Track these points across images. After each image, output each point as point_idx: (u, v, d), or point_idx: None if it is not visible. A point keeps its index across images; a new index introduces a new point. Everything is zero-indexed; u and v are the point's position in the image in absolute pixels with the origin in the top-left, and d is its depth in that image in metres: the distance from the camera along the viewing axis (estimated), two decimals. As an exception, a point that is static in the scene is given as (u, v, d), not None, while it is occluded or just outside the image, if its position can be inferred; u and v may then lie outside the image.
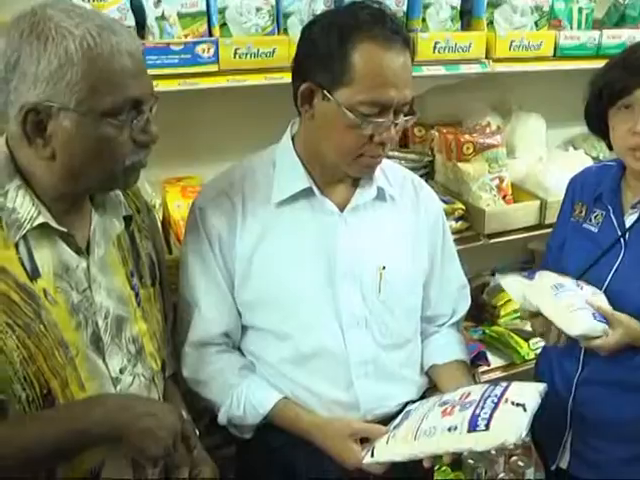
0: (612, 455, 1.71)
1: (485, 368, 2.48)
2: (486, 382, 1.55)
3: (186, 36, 1.77)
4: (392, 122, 1.38)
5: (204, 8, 1.78)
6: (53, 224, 1.20)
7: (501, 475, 2.60)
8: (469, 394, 1.42)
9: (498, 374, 2.49)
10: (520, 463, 2.62)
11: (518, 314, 2.61)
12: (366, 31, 1.34)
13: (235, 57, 1.78)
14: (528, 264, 2.94)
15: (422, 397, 1.65)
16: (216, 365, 1.57)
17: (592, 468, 1.75)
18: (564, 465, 1.81)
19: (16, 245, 1.18)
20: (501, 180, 2.35)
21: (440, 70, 2.09)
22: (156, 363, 1.42)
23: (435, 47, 2.04)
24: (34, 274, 1.19)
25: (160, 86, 1.74)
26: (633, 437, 1.66)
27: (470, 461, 2.60)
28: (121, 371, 1.31)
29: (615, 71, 1.60)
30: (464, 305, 1.81)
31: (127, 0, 1.72)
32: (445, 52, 2.06)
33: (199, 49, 1.74)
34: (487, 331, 2.64)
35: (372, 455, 1.43)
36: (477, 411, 1.34)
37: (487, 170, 2.33)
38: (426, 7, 2.04)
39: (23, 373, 1.17)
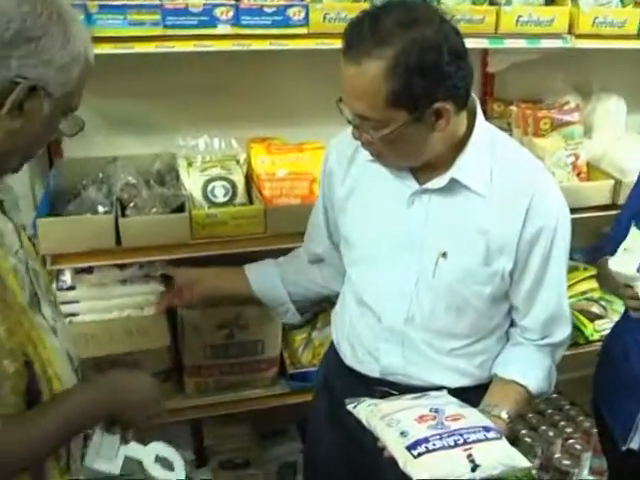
0: None
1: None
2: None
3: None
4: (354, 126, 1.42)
5: (297, -27, 1.87)
6: None
7: (557, 456, 2.62)
8: (457, 418, 1.40)
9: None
10: (577, 446, 2.64)
11: (585, 295, 2.62)
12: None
13: (325, 21, 1.87)
14: (599, 248, 2.93)
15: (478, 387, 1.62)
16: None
17: None
18: (635, 446, 1.81)
19: None
20: (576, 157, 2.37)
21: (521, 43, 2.12)
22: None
23: (518, 20, 2.07)
24: None
25: (253, 45, 1.86)
26: None
27: (527, 439, 2.63)
28: (53, 319, 1.32)
29: None
30: (559, 333, 1.64)
31: (226, -37, 1.83)
32: (527, 25, 2.09)
33: (290, 12, 1.84)
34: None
35: (354, 407, 1.48)
36: (431, 435, 1.33)
37: (563, 146, 2.34)
38: (510, -19, 2.07)
39: (9, 346, 1.16)
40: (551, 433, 2.68)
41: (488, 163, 1.49)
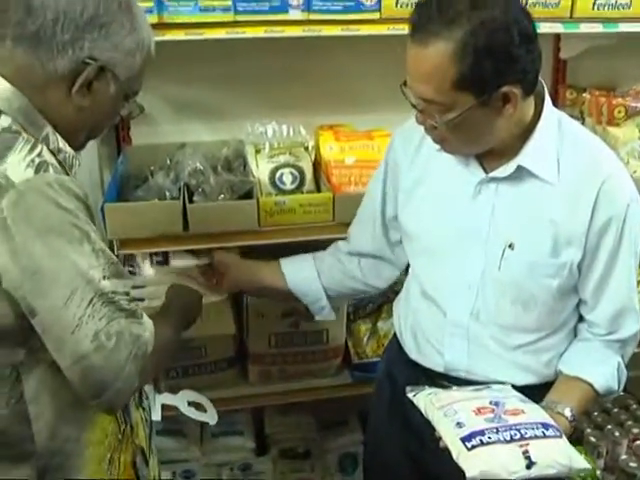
0: None
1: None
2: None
3: (351, -15, 1.84)
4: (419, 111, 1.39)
5: (370, -42, 1.85)
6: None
7: (623, 457, 2.55)
8: (517, 412, 1.37)
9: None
10: (645, 448, 2.57)
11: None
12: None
13: (397, 6, 1.84)
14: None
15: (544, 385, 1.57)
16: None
17: None
18: None
19: None
20: (652, 148, 2.30)
21: (598, 27, 2.06)
22: None
23: (595, 4, 2.01)
24: None
25: (324, 31, 1.84)
26: None
27: (592, 439, 2.57)
28: None
29: None
30: (628, 328, 1.56)
31: (298, -51, 1.82)
32: (605, 10, 2.03)
33: (363, -3, 1.82)
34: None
35: (414, 395, 1.48)
36: (487, 428, 1.32)
37: (638, 136, 2.27)
38: (589, -37, 2.01)
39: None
40: (617, 433, 2.60)
41: (556, 150, 1.45)
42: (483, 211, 1.49)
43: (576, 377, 1.54)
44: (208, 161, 2.04)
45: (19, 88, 1.18)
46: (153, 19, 1.72)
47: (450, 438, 1.32)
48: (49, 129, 1.21)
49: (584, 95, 2.39)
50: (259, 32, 1.83)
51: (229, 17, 1.80)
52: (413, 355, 1.67)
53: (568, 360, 1.57)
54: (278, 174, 2.03)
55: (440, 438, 1.36)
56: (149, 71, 1.29)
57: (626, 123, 2.29)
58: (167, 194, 1.95)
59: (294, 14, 1.82)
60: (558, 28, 2.04)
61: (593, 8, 2.03)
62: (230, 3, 1.79)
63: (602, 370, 1.55)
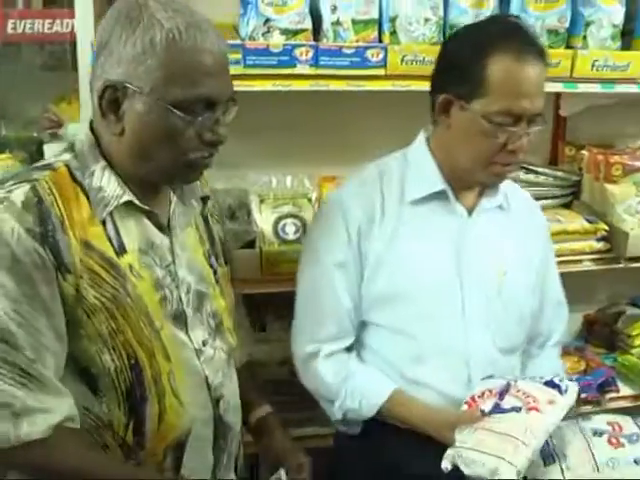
0: None
1: (613, 395, 2.44)
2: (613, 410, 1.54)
3: (357, 41, 1.89)
4: (525, 132, 1.45)
5: (376, 16, 1.90)
6: (137, 202, 1.25)
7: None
8: (619, 426, 1.45)
9: (627, 403, 2.45)
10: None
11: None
12: (500, 44, 1.43)
13: (402, 63, 1.88)
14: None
15: None
16: (326, 369, 1.61)
17: None
18: None
19: (103, 222, 1.22)
20: (648, 204, 2.33)
21: (596, 88, 2.11)
22: (233, 338, 1.46)
23: (593, 65, 2.06)
24: (120, 250, 1.23)
25: (330, 86, 1.88)
26: None
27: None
28: (204, 343, 1.35)
29: None
30: (560, 326, 1.82)
31: (306, 5, 1.87)
32: (603, 70, 2.08)
33: (369, 53, 1.87)
34: (619, 359, 2.58)
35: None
36: None
37: (634, 193, 2.31)
38: (588, 25, 2.07)
39: (112, 344, 1.22)
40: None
41: None
42: (472, 247, 1.57)
43: None
44: (212, 209, 2.06)
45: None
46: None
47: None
48: (98, 166, 1.23)
49: (583, 152, 2.43)
50: (267, 85, 1.86)
51: (238, 70, 1.82)
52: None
53: (535, 373, 1.64)
54: (281, 224, 2.05)
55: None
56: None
57: (623, 180, 2.33)
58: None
59: (302, 68, 1.86)
60: (558, 87, 2.09)
61: (592, 69, 2.07)
62: (240, 56, 1.82)
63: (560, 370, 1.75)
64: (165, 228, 1.32)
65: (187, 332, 1.32)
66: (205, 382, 1.34)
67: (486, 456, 1.36)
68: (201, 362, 1.34)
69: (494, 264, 1.59)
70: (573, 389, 1.46)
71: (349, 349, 1.64)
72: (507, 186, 1.66)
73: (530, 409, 1.40)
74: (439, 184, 1.57)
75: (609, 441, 1.42)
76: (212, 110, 1.20)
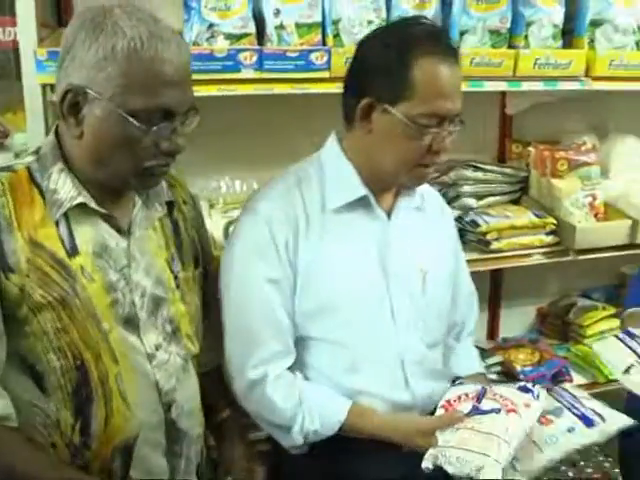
0: None
1: (567, 384, 2.49)
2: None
3: (301, 44, 1.90)
4: (448, 132, 1.46)
5: (319, 19, 1.91)
6: (92, 205, 1.26)
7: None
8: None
9: (581, 392, 2.50)
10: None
11: (604, 334, 2.61)
12: (424, 47, 1.42)
13: (346, 65, 1.87)
14: (618, 288, 2.93)
15: None
16: (277, 393, 1.52)
17: None
18: None
19: (57, 223, 1.24)
20: (594, 198, 2.38)
21: (539, 86, 2.15)
22: (193, 345, 1.45)
23: (535, 63, 2.10)
24: (72, 251, 1.25)
25: (275, 89, 1.89)
26: None
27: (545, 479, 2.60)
28: (157, 348, 1.35)
29: None
30: (472, 316, 1.86)
31: (249, 10, 1.87)
32: (545, 69, 2.12)
33: (313, 56, 1.88)
34: (572, 349, 2.64)
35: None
36: (577, 412, 1.49)
37: (580, 187, 2.37)
38: (529, 25, 2.11)
39: (57, 343, 1.24)
40: (571, 473, 2.66)
41: None
42: (395, 249, 1.57)
43: (475, 374, 1.77)
44: (162, 216, 2.05)
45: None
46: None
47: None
48: (55, 168, 1.25)
49: (529, 149, 2.47)
50: (212, 90, 1.86)
51: (183, 75, 1.84)
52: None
53: (458, 365, 1.76)
54: (231, 229, 2.03)
55: None
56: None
57: (569, 175, 2.38)
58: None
59: (246, 73, 1.86)
60: (502, 86, 2.13)
61: (534, 67, 2.11)
62: (184, 61, 1.83)
63: (480, 361, 1.87)
64: (124, 231, 1.32)
65: (139, 336, 1.32)
66: (155, 386, 1.34)
67: (471, 454, 1.37)
68: (152, 366, 1.34)
69: (416, 264, 1.60)
70: (543, 394, 1.51)
71: (291, 369, 1.56)
72: (421, 186, 1.65)
73: (509, 411, 1.43)
74: (360, 190, 1.54)
75: (540, 422, 1.46)
76: (170, 120, 1.22)
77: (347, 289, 1.53)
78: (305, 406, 1.51)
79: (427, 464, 1.41)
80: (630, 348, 1.61)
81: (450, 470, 1.39)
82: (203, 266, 1.53)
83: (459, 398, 1.50)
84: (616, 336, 1.68)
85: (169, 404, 1.37)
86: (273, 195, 1.56)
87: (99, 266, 1.28)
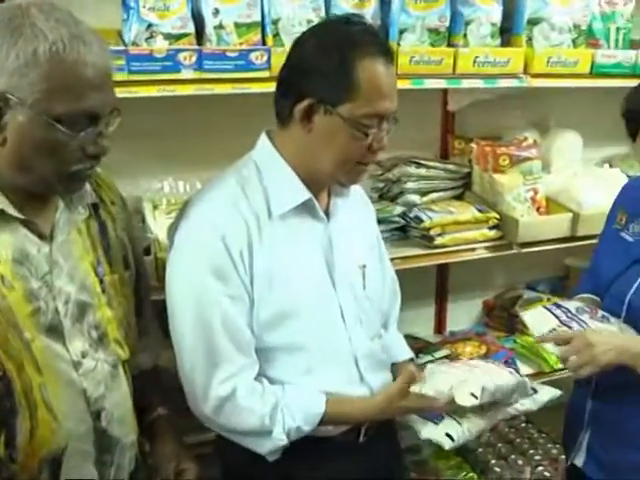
0: (623, 460, 1.74)
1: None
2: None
3: (241, 44, 1.90)
4: (386, 131, 1.48)
5: (259, 19, 1.91)
6: (11, 211, 1.22)
7: (527, 484, 2.65)
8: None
9: (527, 382, 2.56)
10: (546, 473, 2.65)
11: (551, 326, 2.67)
12: (366, 48, 1.43)
13: (286, 65, 1.90)
14: (563, 280, 3.00)
15: None
16: (251, 401, 1.50)
17: (603, 470, 1.80)
18: (579, 463, 1.86)
19: None
20: (535, 192, 2.43)
21: (479, 83, 2.19)
22: (123, 350, 1.41)
23: (475, 61, 2.14)
24: None
25: (215, 90, 1.88)
26: None
27: (496, 469, 2.65)
28: (83, 355, 1.32)
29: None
30: (396, 302, 1.89)
31: (188, 10, 1.86)
32: (484, 66, 2.16)
33: (253, 56, 1.88)
34: (518, 341, 2.69)
35: None
36: None
37: (522, 182, 2.41)
38: (467, 24, 2.15)
39: None
40: (520, 462, 2.70)
41: None
42: (337, 248, 1.58)
43: (407, 359, 1.83)
44: (105, 217, 2.03)
45: None
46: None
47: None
48: None
49: (471, 145, 2.51)
50: (152, 91, 1.84)
51: (123, 76, 1.80)
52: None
53: (390, 352, 1.77)
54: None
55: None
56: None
57: (511, 170, 2.42)
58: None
59: (186, 73, 1.85)
60: (442, 84, 2.16)
61: (474, 65, 2.15)
62: (124, 63, 1.80)
63: (408, 347, 1.89)
64: (46, 237, 1.29)
65: (64, 344, 1.29)
66: (83, 395, 1.32)
67: (447, 375, 1.57)
68: (79, 374, 1.31)
69: (355, 261, 1.63)
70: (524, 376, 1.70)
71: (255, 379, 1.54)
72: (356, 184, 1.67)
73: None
74: (305, 193, 1.52)
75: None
76: (95, 123, 1.20)
77: (301, 294, 1.53)
78: (283, 404, 1.51)
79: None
80: (555, 315, 1.72)
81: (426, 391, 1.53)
82: (135, 267, 1.51)
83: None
84: (544, 306, 1.79)
85: (98, 412, 1.34)
86: (220, 203, 1.50)
87: (19, 274, 1.24)
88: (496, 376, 1.60)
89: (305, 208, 1.54)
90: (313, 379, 1.56)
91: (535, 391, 1.68)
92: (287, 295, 1.51)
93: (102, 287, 1.38)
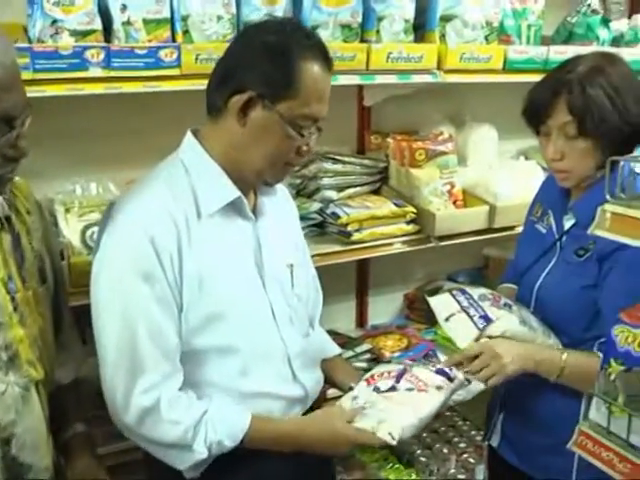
0: (534, 443, 1.80)
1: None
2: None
3: (150, 41, 1.86)
4: (315, 135, 1.51)
5: (168, 15, 1.87)
6: None
7: (452, 471, 2.69)
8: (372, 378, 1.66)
9: (449, 372, 2.60)
10: (471, 460, 2.72)
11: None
12: (309, 51, 1.45)
13: (197, 62, 1.87)
14: (482, 270, 3.07)
15: None
16: (175, 413, 1.46)
17: (515, 452, 1.86)
18: (494, 443, 1.93)
19: None
20: (452, 186, 2.47)
21: (392, 79, 2.20)
22: (36, 370, 1.36)
23: (388, 57, 2.15)
24: None
25: (124, 88, 1.84)
26: (551, 428, 1.72)
27: (422, 458, 2.69)
28: None
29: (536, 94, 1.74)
30: (319, 298, 1.87)
31: (95, 5, 1.81)
32: (398, 62, 2.18)
33: (162, 53, 1.84)
34: (439, 332, 2.70)
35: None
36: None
37: (438, 176, 2.45)
38: (380, 20, 2.16)
39: None
40: (445, 450, 2.75)
41: None
42: (265, 248, 1.58)
43: (336, 355, 1.88)
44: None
45: None
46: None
47: None
48: None
49: (388, 140, 2.53)
50: (60, 90, 1.79)
51: (28, 75, 1.74)
52: None
53: (320, 348, 1.82)
54: (89, 232, 1.97)
55: None
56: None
57: (427, 165, 2.46)
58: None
59: (94, 71, 1.80)
60: (355, 80, 2.17)
61: (387, 61, 2.16)
62: (28, 60, 1.73)
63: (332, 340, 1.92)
64: None
65: None
66: None
67: (376, 411, 1.53)
68: None
69: (283, 260, 1.63)
70: (460, 376, 1.66)
71: (181, 388, 1.49)
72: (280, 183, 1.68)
73: (420, 391, 1.58)
74: (234, 192, 1.51)
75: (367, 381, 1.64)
76: (11, 125, 1.16)
77: (232, 295, 1.52)
78: (207, 417, 1.46)
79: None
80: (457, 301, 1.79)
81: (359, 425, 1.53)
82: (54, 279, 1.46)
83: (382, 374, 1.64)
84: (449, 291, 1.86)
85: (8, 439, 1.29)
86: (148, 204, 1.46)
87: None
88: (423, 405, 1.56)
89: (233, 208, 1.53)
90: (249, 380, 1.54)
91: (469, 382, 1.72)
92: (217, 297, 1.49)
93: (14, 305, 1.32)
